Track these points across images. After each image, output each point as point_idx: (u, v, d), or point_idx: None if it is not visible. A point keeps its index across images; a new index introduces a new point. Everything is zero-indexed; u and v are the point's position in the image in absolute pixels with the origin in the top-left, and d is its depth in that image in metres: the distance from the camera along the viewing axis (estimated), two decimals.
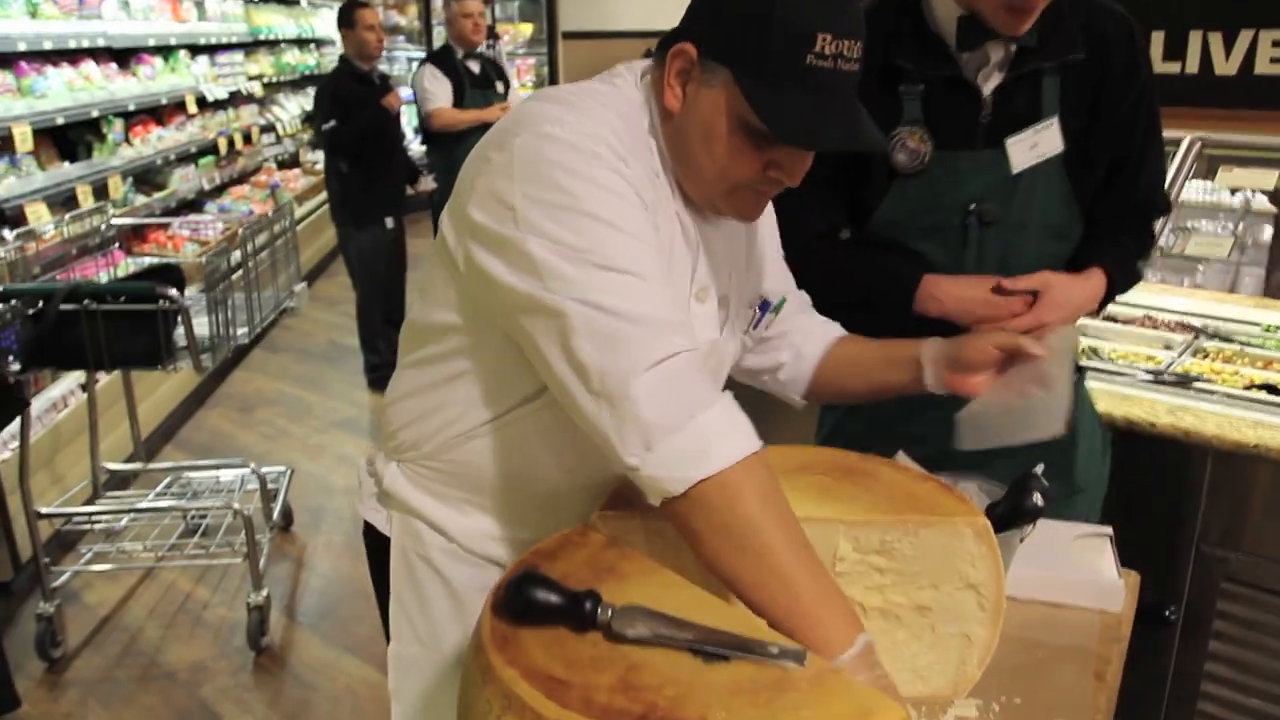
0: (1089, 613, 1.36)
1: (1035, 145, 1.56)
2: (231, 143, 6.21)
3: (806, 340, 1.47)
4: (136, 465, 3.61)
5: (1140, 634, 1.85)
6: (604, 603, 0.92)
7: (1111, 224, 1.67)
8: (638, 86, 1.19)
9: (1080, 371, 1.78)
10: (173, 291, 2.62)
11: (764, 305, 1.39)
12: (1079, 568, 1.40)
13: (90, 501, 3.35)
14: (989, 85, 1.55)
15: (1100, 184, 1.63)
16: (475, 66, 4.91)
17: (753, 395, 1.46)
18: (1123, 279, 1.68)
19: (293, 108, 7.76)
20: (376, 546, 1.35)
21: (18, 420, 2.75)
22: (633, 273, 1.03)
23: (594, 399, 1.02)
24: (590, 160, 1.05)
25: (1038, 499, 1.26)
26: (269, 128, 7.20)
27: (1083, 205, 1.63)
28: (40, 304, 2.61)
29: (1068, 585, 1.37)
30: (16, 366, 2.67)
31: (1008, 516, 1.27)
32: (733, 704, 0.82)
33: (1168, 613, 2.04)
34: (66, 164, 4.30)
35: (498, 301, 1.10)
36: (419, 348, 1.25)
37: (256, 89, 6.86)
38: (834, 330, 1.50)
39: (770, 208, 1.37)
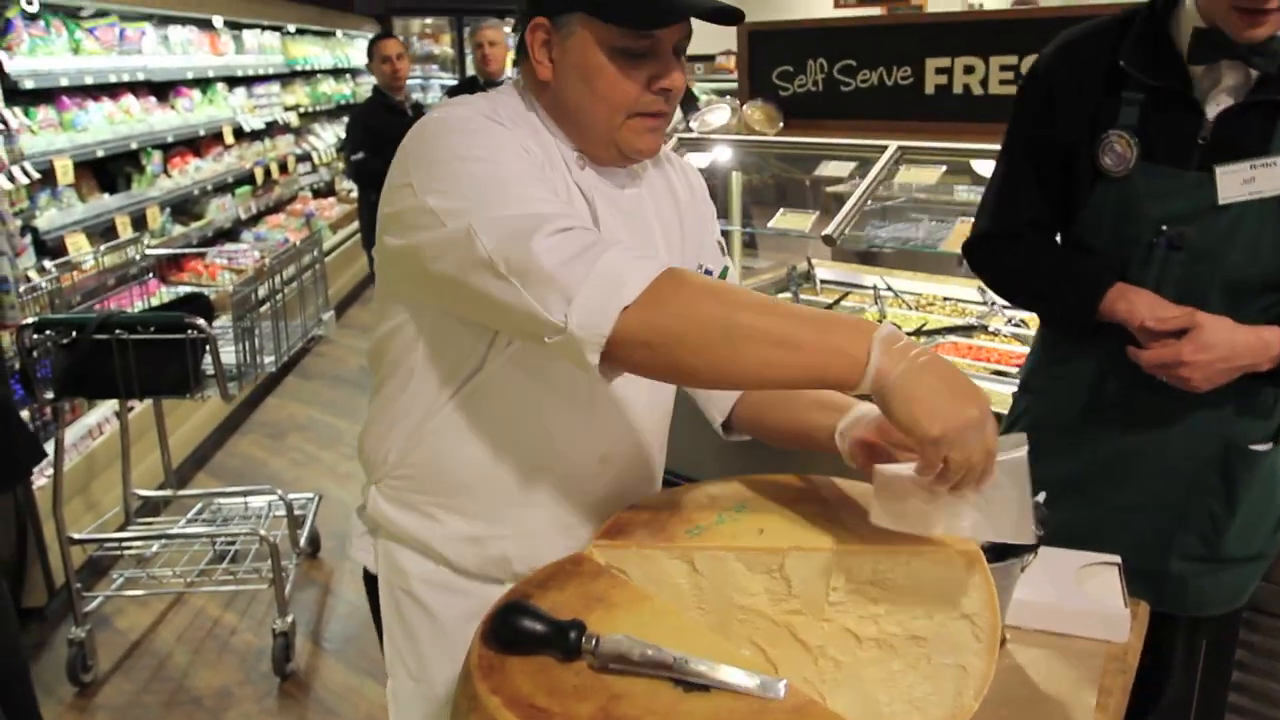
0: (1094, 643, 1.34)
1: (1251, 180, 1.50)
2: (268, 172, 6.34)
3: None
4: (167, 492, 3.67)
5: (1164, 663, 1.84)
6: (588, 632, 0.93)
7: None
8: (511, 91, 1.28)
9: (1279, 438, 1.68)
10: (200, 321, 2.68)
11: (707, 274, 1.39)
12: (1085, 597, 1.38)
13: (122, 528, 3.41)
14: (1216, 107, 1.52)
15: None
16: None
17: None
18: None
19: (328, 137, 7.90)
20: (373, 586, 1.40)
21: (51, 446, 2.82)
22: (521, 191, 1.08)
23: (506, 284, 1.04)
24: (467, 122, 1.16)
25: (1037, 529, 1.25)
26: (305, 157, 7.33)
27: None
28: (74, 334, 2.68)
29: (1073, 615, 1.36)
30: (50, 394, 2.74)
31: (1008, 545, 1.27)
32: None
33: None
34: (106, 195, 4.41)
35: (416, 271, 1.15)
36: (376, 372, 1.33)
37: (293, 119, 7.00)
38: None
39: (705, 191, 1.45)
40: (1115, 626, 1.34)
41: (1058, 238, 1.73)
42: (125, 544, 3.40)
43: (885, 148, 2.78)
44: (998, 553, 1.27)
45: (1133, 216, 1.58)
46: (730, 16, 1.19)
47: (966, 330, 2.87)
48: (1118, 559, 1.48)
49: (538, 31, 1.20)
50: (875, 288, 3.28)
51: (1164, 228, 1.55)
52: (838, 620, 1.15)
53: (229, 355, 2.91)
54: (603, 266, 1.01)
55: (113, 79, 4.37)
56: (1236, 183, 1.50)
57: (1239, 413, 1.62)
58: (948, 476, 1.00)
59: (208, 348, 2.74)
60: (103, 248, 3.59)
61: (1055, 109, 1.65)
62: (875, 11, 10.11)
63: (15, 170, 3.49)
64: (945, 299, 3.17)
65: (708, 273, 1.41)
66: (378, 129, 4.67)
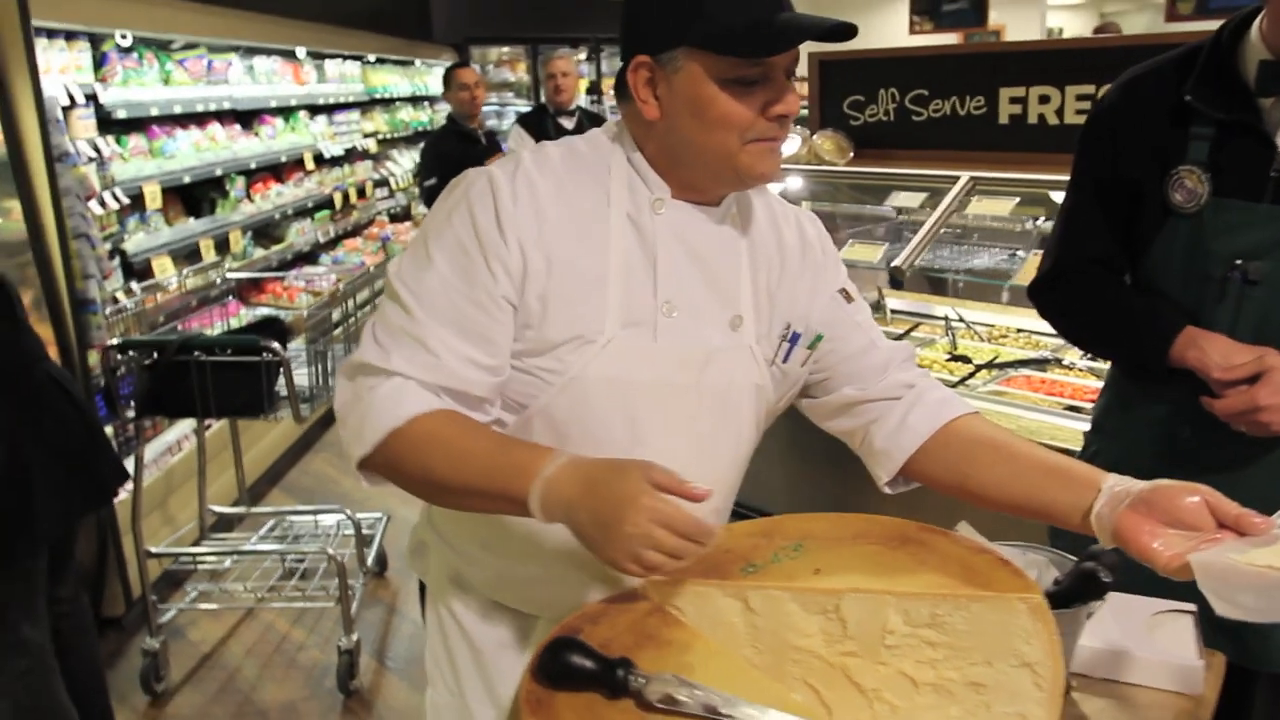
0: (1166, 694, 1.29)
1: None
2: (346, 197, 6.49)
3: (914, 409, 1.33)
4: (241, 509, 3.76)
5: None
6: (636, 671, 0.93)
7: None
8: (600, 136, 1.28)
9: None
10: (275, 345, 2.75)
11: (794, 337, 1.33)
12: (1156, 646, 1.34)
13: (197, 543, 3.51)
14: None
15: None
16: (569, 124, 5.03)
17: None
18: None
19: (405, 162, 8.07)
20: (425, 594, 1.46)
21: (131, 463, 2.91)
22: (410, 304, 1.18)
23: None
24: (460, 203, 1.20)
25: (1104, 575, 1.21)
26: (382, 182, 7.49)
27: None
28: (155, 355, 2.77)
29: (1142, 664, 1.31)
30: (132, 413, 2.84)
31: (1073, 591, 1.24)
32: None
33: None
34: (191, 220, 4.56)
35: None
36: None
37: (371, 145, 7.16)
38: (956, 405, 1.35)
39: (824, 242, 1.39)
40: (1188, 678, 1.29)
41: (1126, 279, 1.68)
42: (200, 558, 3.49)
43: (957, 178, 2.74)
44: (1063, 599, 1.24)
45: (1204, 252, 1.54)
46: (844, 33, 1.14)
47: (1040, 364, 2.80)
48: (1193, 607, 1.43)
49: (641, 70, 1.17)
50: (947, 318, 3.22)
51: (1238, 262, 1.51)
52: (894, 664, 1.13)
53: (302, 377, 2.98)
54: (358, 415, 1.17)
55: (200, 108, 4.53)
56: None
57: None
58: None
59: (282, 370, 2.81)
60: (186, 271, 3.71)
61: (1120, 147, 1.62)
62: (952, 39, 10.02)
63: (106, 196, 3.64)
64: (1019, 331, 3.11)
65: (795, 335, 1.33)
66: (450, 155, 4.76)
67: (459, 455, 1.13)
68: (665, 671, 0.94)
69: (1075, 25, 11.57)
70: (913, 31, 10.45)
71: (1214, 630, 1.39)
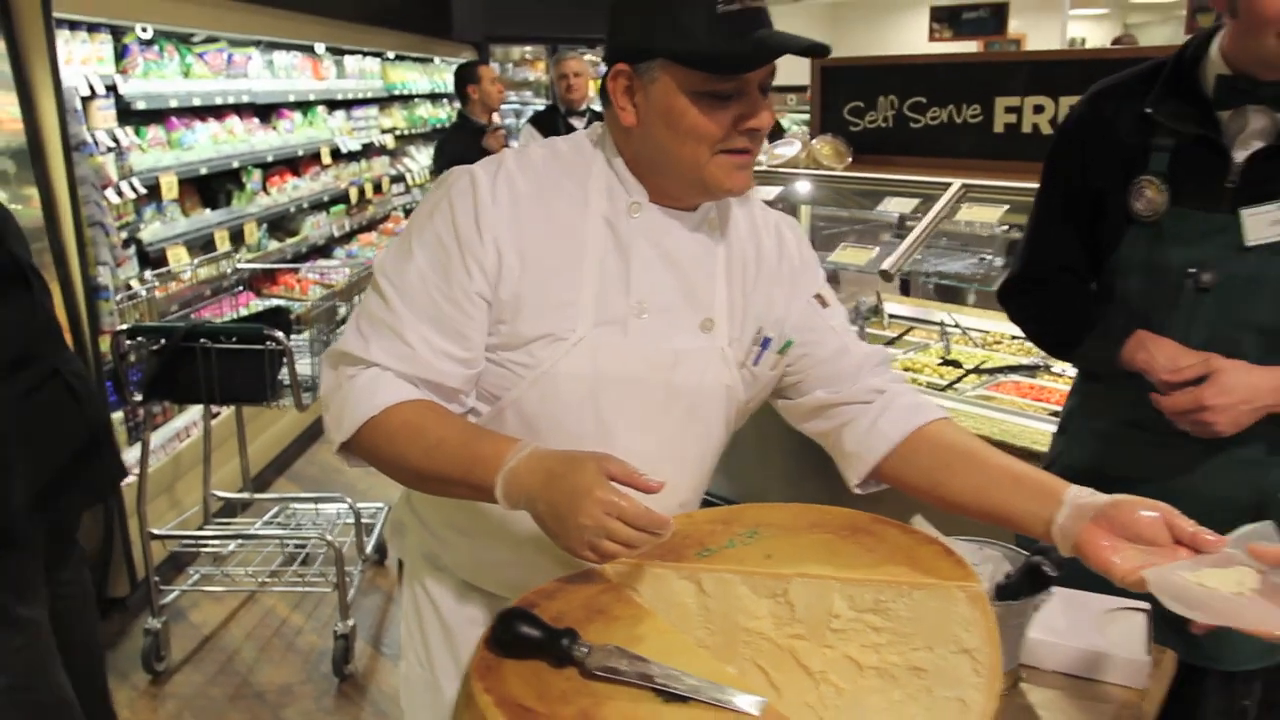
0: (1114, 688, 1.33)
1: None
2: (362, 192, 6.56)
3: (885, 414, 1.37)
4: (245, 495, 3.83)
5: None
6: (580, 641, 0.98)
7: None
8: (583, 138, 1.33)
9: None
10: (279, 334, 2.81)
11: (765, 342, 1.36)
12: (1104, 641, 1.38)
13: (201, 527, 3.58)
14: (1243, 151, 1.53)
15: None
16: (580, 124, 5.09)
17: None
18: None
19: (423, 159, 8.13)
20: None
21: (138, 447, 2.98)
22: (391, 297, 1.24)
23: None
24: (442, 200, 1.26)
25: (1050, 569, 1.25)
26: (399, 178, 7.56)
27: None
28: (162, 341, 2.84)
29: (1089, 658, 1.35)
30: (139, 397, 2.91)
31: (1021, 585, 1.28)
32: None
33: None
34: (207, 211, 4.63)
35: None
36: None
37: (389, 141, 7.23)
38: (927, 411, 1.38)
39: (801, 249, 1.42)
40: (1133, 672, 1.33)
41: (1093, 285, 1.73)
42: (203, 542, 3.56)
43: (949, 185, 2.78)
44: (1011, 592, 1.28)
45: (1161, 260, 1.59)
46: (817, 53, 1.18)
47: (1030, 370, 2.84)
48: (1147, 606, 1.46)
49: (619, 78, 1.21)
50: (942, 323, 3.26)
51: (1191, 270, 1.55)
52: (840, 647, 1.17)
53: (306, 367, 3.05)
54: (338, 402, 1.24)
55: (219, 101, 4.60)
56: (1264, 224, 1.51)
57: (1270, 453, 1.61)
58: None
59: (285, 359, 2.88)
60: (196, 261, 3.78)
61: (1087, 157, 1.67)
62: (971, 46, 10.03)
63: (124, 185, 3.71)
64: (1013, 337, 3.14)
65: (766, 340, 1.36)
66: (461, 153, 4.81)
67: (431, 444, 1.19)
68: (609, 643, 0.98)
69: (1098, 35, 11.55)
70: (932, 38, 10.47)
71: (1166, 628, 1.43)
